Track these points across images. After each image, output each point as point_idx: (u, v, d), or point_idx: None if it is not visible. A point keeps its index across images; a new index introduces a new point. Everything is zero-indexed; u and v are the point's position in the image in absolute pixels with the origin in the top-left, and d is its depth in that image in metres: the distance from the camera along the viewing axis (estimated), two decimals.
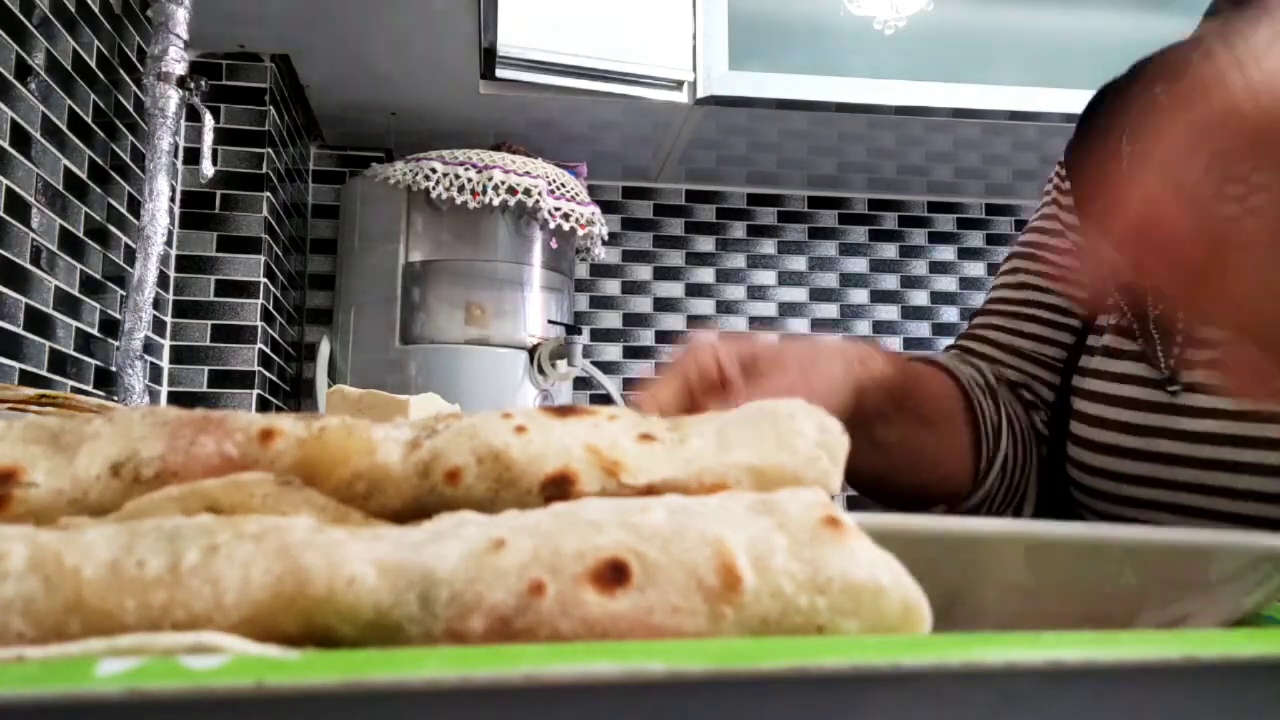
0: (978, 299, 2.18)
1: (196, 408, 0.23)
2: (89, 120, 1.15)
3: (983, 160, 2.00)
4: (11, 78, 0.96)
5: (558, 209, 1.64)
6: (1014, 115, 1.78)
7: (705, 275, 2.12)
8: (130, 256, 1.26)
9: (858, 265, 2.17)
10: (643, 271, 2.10)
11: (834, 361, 0.54)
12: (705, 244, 2.13)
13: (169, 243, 1.48)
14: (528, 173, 1.62)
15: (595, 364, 1.91)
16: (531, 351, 1.65)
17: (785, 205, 2.15)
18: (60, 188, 1.07)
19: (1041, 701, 0.17)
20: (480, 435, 0.22)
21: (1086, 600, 0.26)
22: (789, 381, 0.51)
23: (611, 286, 2.09)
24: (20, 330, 0.99)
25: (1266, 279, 0.31)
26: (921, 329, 2.16)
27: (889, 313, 2.16)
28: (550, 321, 1.71)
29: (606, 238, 1.77)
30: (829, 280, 2.15)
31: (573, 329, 1.72)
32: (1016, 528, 0.26)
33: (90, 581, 0.17)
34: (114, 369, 1.19)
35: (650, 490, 0.22)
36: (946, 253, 2.19)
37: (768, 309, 2.12)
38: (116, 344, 1.19)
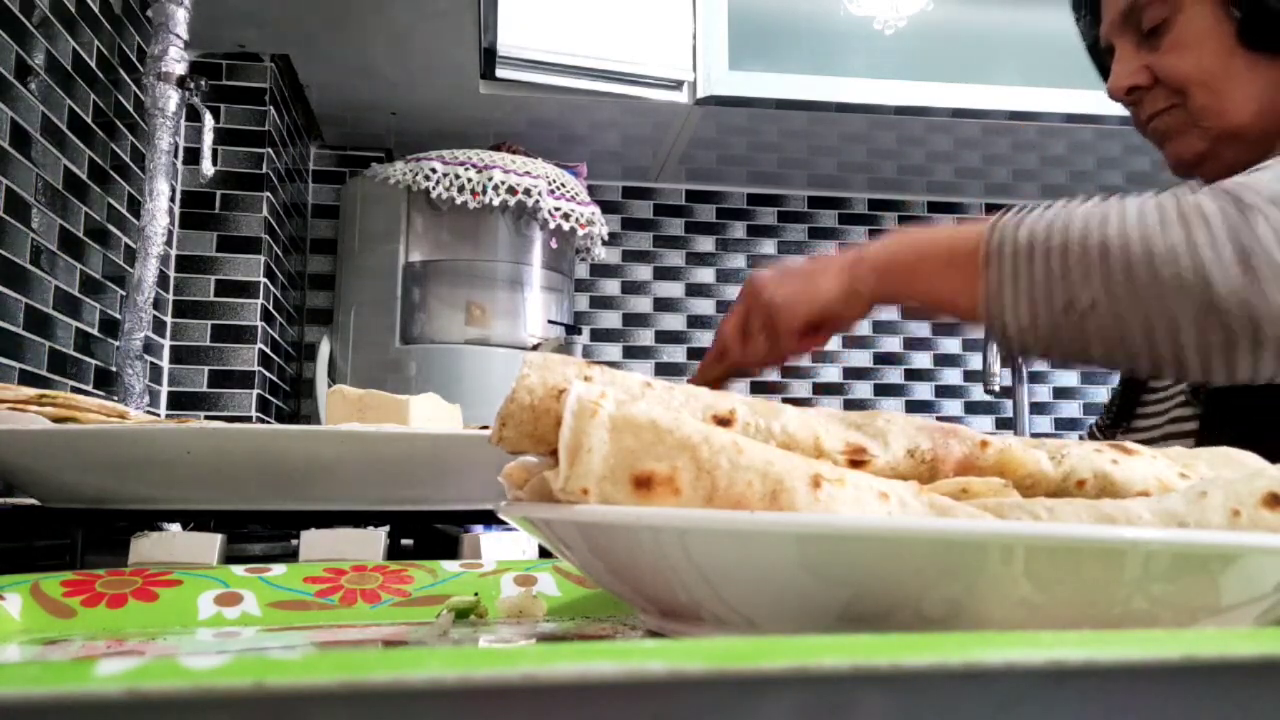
0: None
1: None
2: (89, 120, 1.15)
3: (983, 160, 2.00)
4: (11, 78, 0.96)
5: (558, 209, 1.64)
6: (1014, 115, 1.78)
7: (705, 275, 2.12)
8: (130, 256, 1.26)
9: None
10: (643, 271, 2.10)
11: None
12: (705, 244, 2.13)
13: (169, 243, 1.48)
14: (528, 173, 1.62)
15: (595, 364, 1.91)
16: (531, 351, 1.65)
17: (785, 205, 2.15)
18: (60, 188, 1.07)
19: (1041, 701, 0.17)
20: (1094, 461, 0.34)
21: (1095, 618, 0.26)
22: None
23: (611, 286, 2.09)
24: (20, 330, 0.99)
25: None
26: (922, 329, 2.16)
27: (889, 312, 2.16)
28: (550, 321, 1.71)
29: (606, 238, 1.77)
30: None
31: (573, 329, 1.72)
32: (1019, 529, 0.26)
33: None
34: (114, 369, 1.19)
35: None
36: None
37: None
38: (116, 344, 1.19)
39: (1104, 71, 0.87)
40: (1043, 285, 0.63)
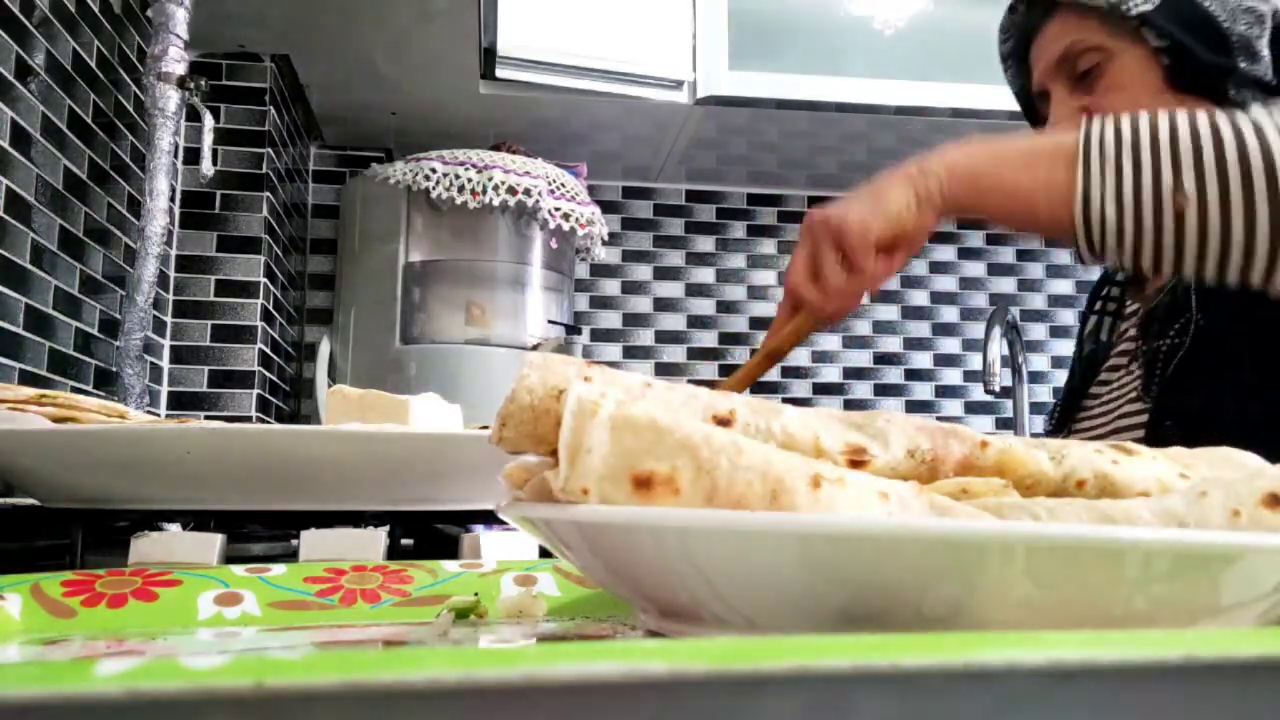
0: (978, 298, 2.19)
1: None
2: (89, 120, 1.15)
3: None
4: (11, 78, 0.96)
5: (558, 209, 1.64)
6: (1014, 115, 1.76)
7: (705, 275, 2.12)
8: (130, 256, 1.26)
9: None
10: (643, 271, 2.10)
11: None
12: (705, 244, 2.13)
13: (169, 243, 1.48)
14: (528, 173, 1.62)
15: (595, 364, 1.91)
16: (531, 351, 1.65)
17: (785, 205, 2.15)
18: (60, 188, 1.07)
19: (1041, 701, 0.17)
20: (1095, 462, 0.34)
21: (1094, 618, 0.26)
22: None
23: (611, 286, 2.09)
24: (20, 330, 0.99)
25: None
26: (922, 329, 2.16)
27: (889, 312, 2.16)
28: (550, 321, 1.71)
29: (606, 238, 1.77)
30: None
31: (573, 329, 1.72)
32: (1019, 529, 0.26)
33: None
34: (114, 369, 1.19)
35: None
36: (946, 252, 2.19)
37: (768, 309, 2.12)
38: (116, 344, 1.19)
39: (1029, 115, 0.96)
40: (1150, 170, 0.63)
